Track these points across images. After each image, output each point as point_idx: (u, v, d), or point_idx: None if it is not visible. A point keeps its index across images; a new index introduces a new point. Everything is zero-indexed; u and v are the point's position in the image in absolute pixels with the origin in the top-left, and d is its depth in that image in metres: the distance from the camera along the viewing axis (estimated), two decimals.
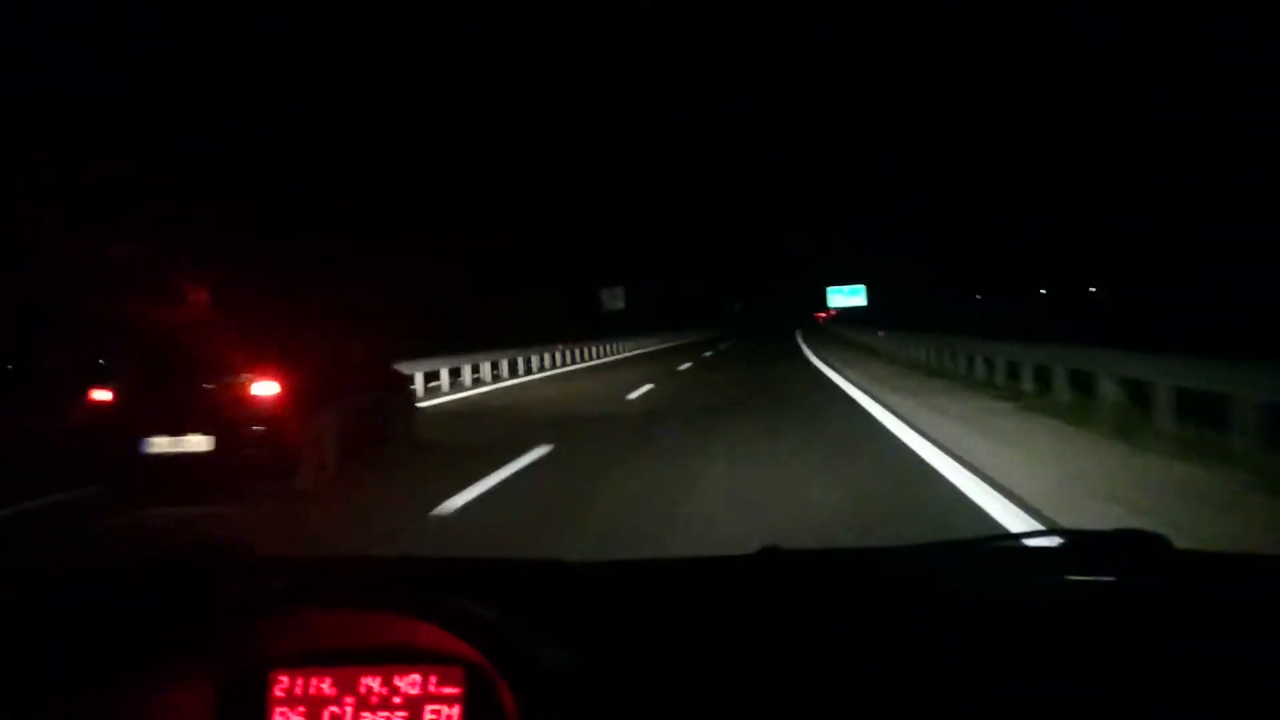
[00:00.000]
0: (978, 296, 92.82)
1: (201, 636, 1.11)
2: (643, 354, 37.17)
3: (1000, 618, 1.17)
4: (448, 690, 1.07)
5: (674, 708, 0.97)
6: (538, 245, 43.09)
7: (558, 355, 29.09)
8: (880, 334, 26.35)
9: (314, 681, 1.10)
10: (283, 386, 7.13)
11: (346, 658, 1.10)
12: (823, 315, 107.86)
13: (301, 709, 1.09)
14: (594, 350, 34.02)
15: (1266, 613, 1.15)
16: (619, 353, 37.22)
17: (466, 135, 36.75)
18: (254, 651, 1.10)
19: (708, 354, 34.12)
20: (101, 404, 7.12)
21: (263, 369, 7.17)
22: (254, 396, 7.09)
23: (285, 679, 1.10)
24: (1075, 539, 1.36)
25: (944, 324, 29.09)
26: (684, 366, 25.81)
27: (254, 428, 7.02)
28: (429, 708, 1.07)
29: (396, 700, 1.08)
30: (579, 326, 36.28)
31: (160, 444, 6.94)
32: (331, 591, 1.18)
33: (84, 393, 7.31)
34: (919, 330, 24.25)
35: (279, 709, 1.09)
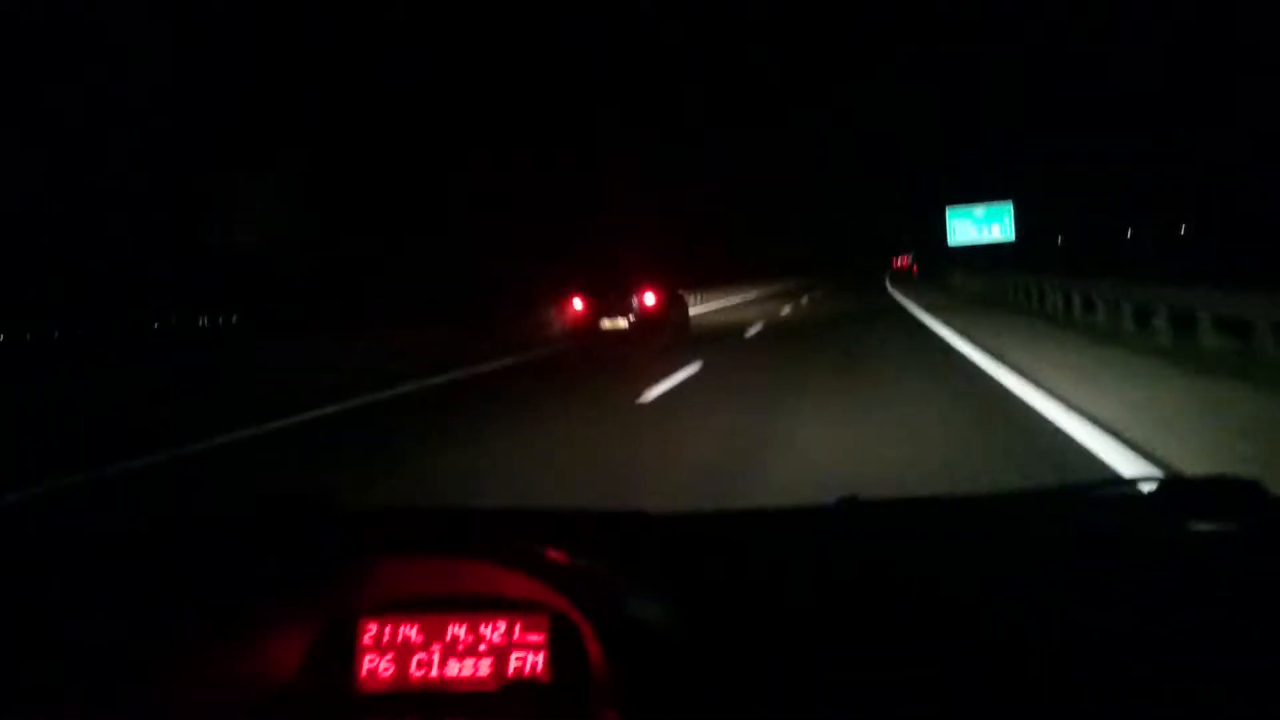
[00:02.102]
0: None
1: (292, 586, 1.13)
2: None
3: (1091, 566, 1.12)
4: (532, 638, 1.09)
5: (758, 659, 0.95)
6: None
7: None
8: None
9: (402, 629, 1.12)
10: (656, 297, 16.68)
11: (435, 605, 1.12)
12: (902, 261, 74.67)
13: (390, 655, 1.11)
14: None
15: None
16: None
17: None
18: (343, 600, 1.13)
19: None
20: (580, 308, 16.79)
21: (648, 288, 16.71)
22: (645, 301, 16.64)
23: (373, 626, 1.12)
24: (1167, 485, 1.34)
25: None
26: None
27: (644, 316, 16.56)
28: (514, 655, 1.09)
29: (482, 647, 1.10)
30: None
31: (606, 324, 16.60)
32: (418, 539, 1.19)
33: (569, 301, 16.97)
34: None
35: (367, 655, 1.12)
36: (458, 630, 1.11)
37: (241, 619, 1.10)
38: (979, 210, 44.82)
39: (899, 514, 1.40)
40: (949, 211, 44.78)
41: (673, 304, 17.54)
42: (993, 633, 0.97)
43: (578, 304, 16.97)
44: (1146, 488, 1.35)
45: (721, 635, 0.98)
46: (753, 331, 19.19)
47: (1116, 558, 1.16)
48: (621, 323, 16.65)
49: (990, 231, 44.08)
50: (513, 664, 1.09)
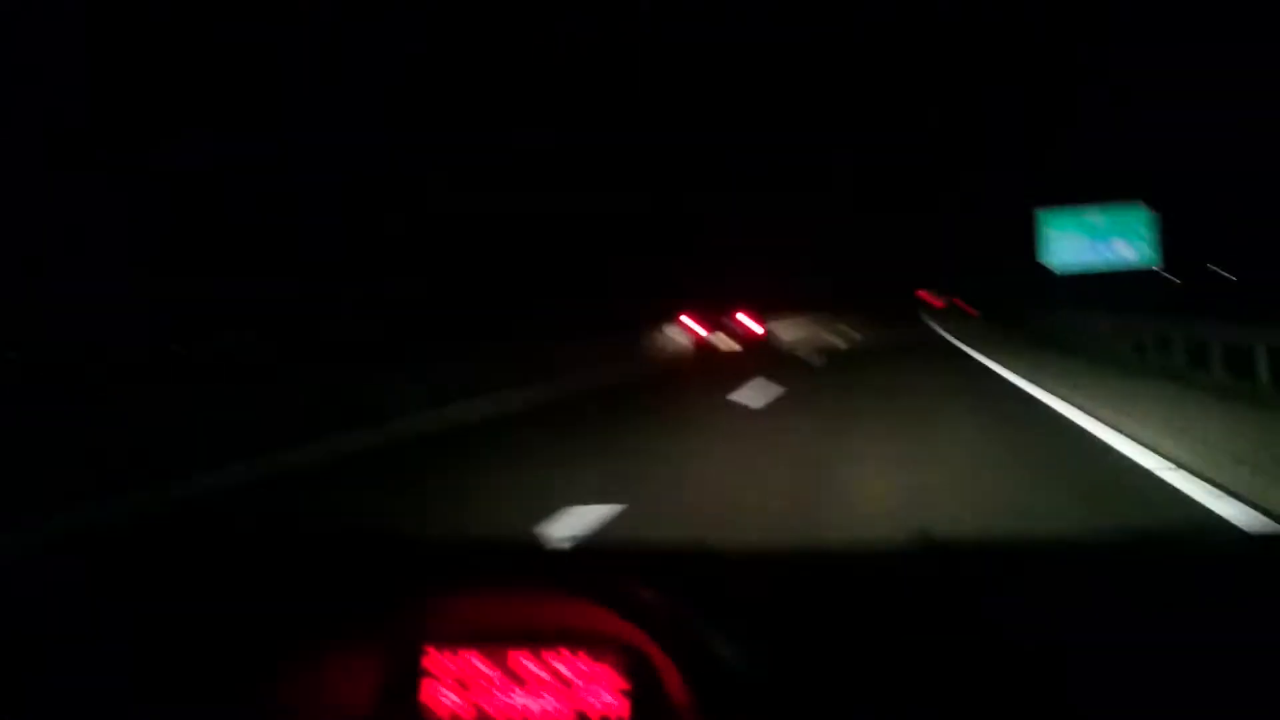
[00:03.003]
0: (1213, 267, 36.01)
1: (365, 620, 1.15)
2: None
3: (1191, 621, 1.06)
4: (607, 674, 1.07)
5: (842, 707, 0.95)
6: None
7: None
8: None
9: (468, 659, 1.12)
10: (757, 323, 21.82)
11: (507, 640, 1.12)
12: (936, 302, 59.92)
13: (455, 685, 1.11)
14: None
15: None
16: None
17: None
18: (411, 630, 1.14)
19: None
20: (699, 328, 21.80)
21: (749, 315, 21.99)
22: (748, 326, 21.72)
23: (438, 655, 1.13)
24: (1256, 543, 1.31)
25: None
26: None
27: (748, 338, 21.63)
28: (587, 689, 1.07)
29: (552, 680, 1.08)
30: None
31: (721, 343, 21.61)
32: (490, 574, 1.20)
33: (685, 322, 22.01)
34: None
35: (433, 683, 1.12)
36: (527, 662, 1.09)
37: (314, 650, 1.12)
38: (1096, 216, 25.22)
39: (979, 558, 1.36)
40: (1044, 219, 25.38)
41: (766, 329, 22.67)
42: (1081, 687, 0.94)
43: (696, 326, 21.99)
44: (1238, 544, 1.29)
45: (804, 681, 0.97)
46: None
47: (1212, 616, 1.08)
48: (733, 344, 21.71)
49: (1113, 249, 24.97)
50: (587, 700, 1.07)
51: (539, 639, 1.09)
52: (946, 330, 29.50)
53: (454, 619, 1.14)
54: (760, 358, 18.29)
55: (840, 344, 24.06)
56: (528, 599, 1.11)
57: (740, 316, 22.58)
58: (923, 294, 66.85)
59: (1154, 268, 23.72)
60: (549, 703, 1.08)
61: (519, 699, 1.09)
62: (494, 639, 1.11)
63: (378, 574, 1.23)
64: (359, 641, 1.14)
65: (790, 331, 27.38)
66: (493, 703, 1.10)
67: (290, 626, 1.14)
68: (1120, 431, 7.17)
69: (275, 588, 1.25)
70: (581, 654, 1.08)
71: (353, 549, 1.34)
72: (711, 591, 1.16)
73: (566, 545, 1.62)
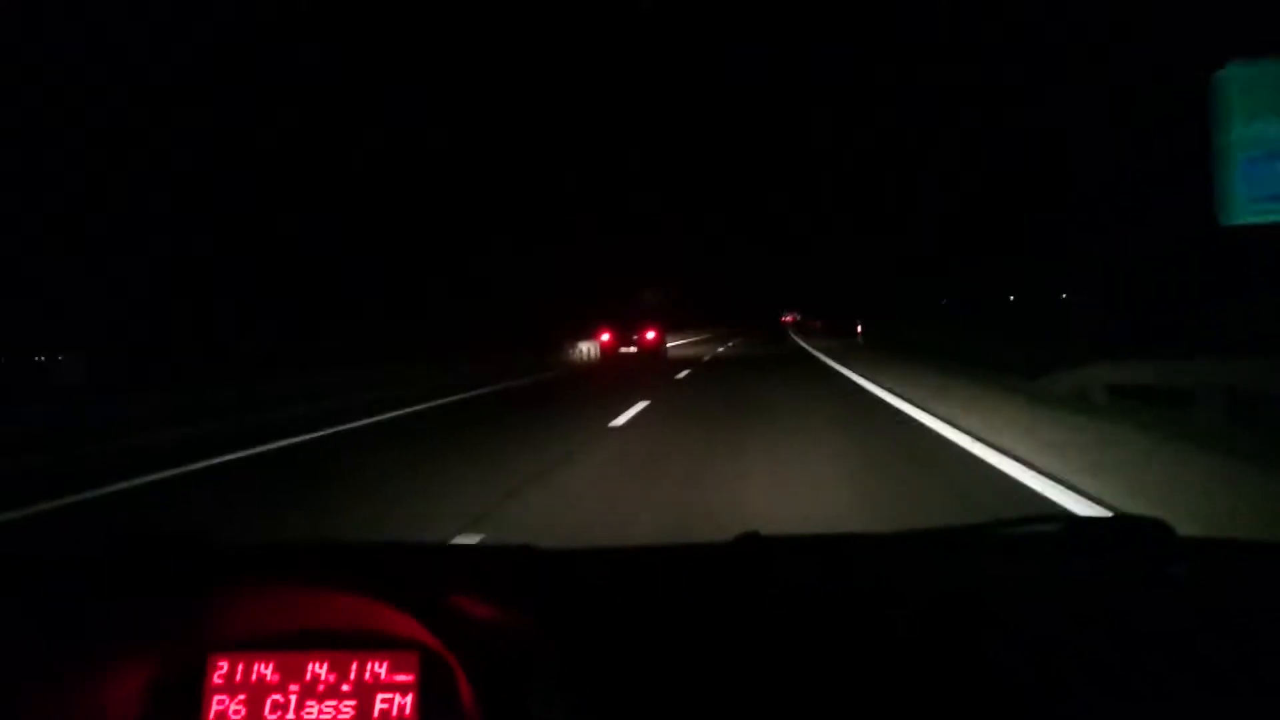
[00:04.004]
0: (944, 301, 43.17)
1: (136, 619, 1.05)
2: None
3: (990, 607, 1.12)
4: (400, 677, 1.02)
5: (642, 703, 0.93)
6: None
7: None
8: None
9: (256, 667, 1.05)
10: (656, 331, 28.56)
11: (293, 642, 1.05)
12: (790, 318, 59.10)
13: (242, 697, 1.04)
14: None
15: (1270, 603, 1.11)
16: None
17: None
18: (190, 635, 1.06)
19: None
20: (608, 338, 28.10)
21: (651, 325, 28.99)
22: (647, 334, 28.44)
23: (224, 664, 1.05)
24: (1075, 525, 1.36)
25: None
26: None
27: (645, 346, 28.35)
28: (380, 695, 1.02)
29: (346, 687, 1.03)
30: None
31: (625, 349, 28.25)
32: (275, 569, 1.12)
33: (598, 333, 28.36)
34: None
35: (217, 697, 1.04)
36: (319, 669, 1.03)
37: (81, 654, 1.01)
38: None
39: (801, 552, 1.37)
40: (1230, 83, 5.39)
41: (662, 339, 29.24)
42: (900, 674, 0.95)
43: (606, 336, 28.24)
44: (1055, 526, 1.34)
45: (602, 679, 0.95)
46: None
47: (1023, 596, 1.14)
48: (632, 350, 28.16)
49: None
50: (378, 705, 1.01)
51: (335, 643, 1.04)
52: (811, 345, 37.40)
53: (241, 622, 1.06)
54: (667, 359, 27.00)
55: (721, 350, 33.17)
56: (321, 599, 1.03)
57: (649, 333, 29.44)
58: (788, 317, 65.73)
59: None
60: (342, 711, 1.03)
61: (311, 710, 1.03)
62: (289, 645, 1.05)
63: (155, 573, 1.12)
64: (128, 648, 1.04)
65: (685, 340, 36.42)
66: (282, 715, 1.04)
67: (53, 629, 1.03)
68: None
69: (43, 593, 1.12)
70: (378, 657, 1.03)
71: (146, 551, 1.20)
72: (522, 591, 1.11)
73: (370, 542, 1.59)
